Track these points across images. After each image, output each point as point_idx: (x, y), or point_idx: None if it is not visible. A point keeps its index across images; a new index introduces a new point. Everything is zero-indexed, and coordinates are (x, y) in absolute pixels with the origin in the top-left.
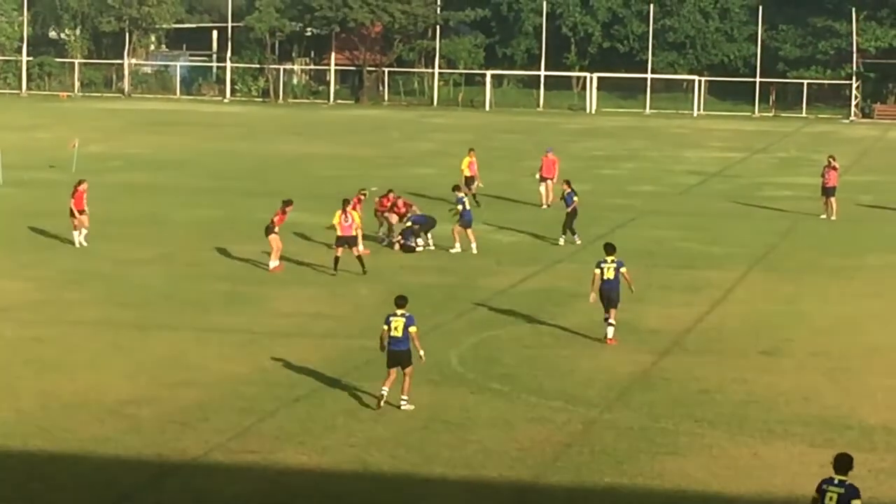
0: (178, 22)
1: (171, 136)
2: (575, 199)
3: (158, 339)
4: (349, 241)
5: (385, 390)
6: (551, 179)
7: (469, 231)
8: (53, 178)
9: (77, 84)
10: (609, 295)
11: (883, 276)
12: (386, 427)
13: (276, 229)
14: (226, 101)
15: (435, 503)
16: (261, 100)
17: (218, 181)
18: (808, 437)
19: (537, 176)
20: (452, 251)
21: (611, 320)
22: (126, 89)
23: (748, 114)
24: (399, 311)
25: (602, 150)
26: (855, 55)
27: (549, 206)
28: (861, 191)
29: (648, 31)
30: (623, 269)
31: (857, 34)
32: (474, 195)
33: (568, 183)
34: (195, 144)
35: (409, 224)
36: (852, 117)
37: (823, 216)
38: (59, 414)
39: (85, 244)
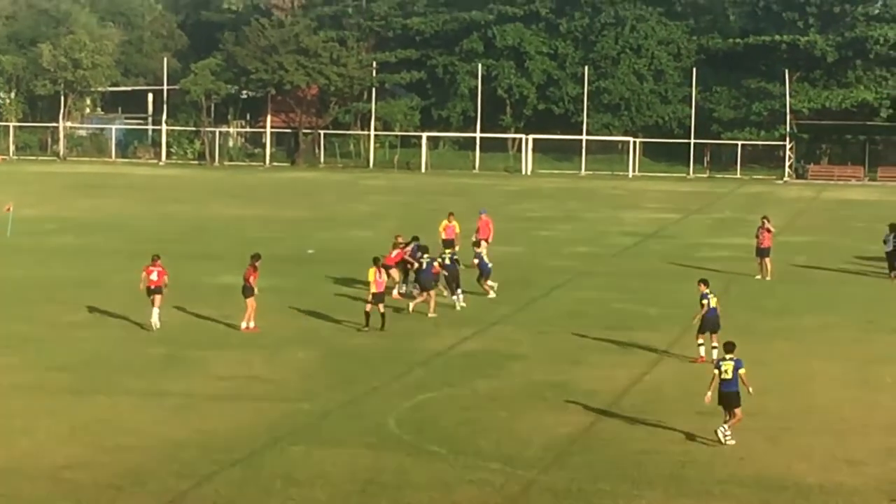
0: (113, 85)
1: (106, 199)
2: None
3: (94, 404)
4: (383, 299)
5: (726, 431)
6: (486, 240)
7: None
8: None
9: (12, 147)
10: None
11: (818, 337)
12: (323, 490)
13: (255, 290)
14: (161, 163)
15: None
16: (196, 162)
17: (153, 244)
18: (744, 498)
19: (474, 238)
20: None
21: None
22: (61, 152)
23: (683, 175)
24: (728, 356)
25: (538, 211)
26: (788, 116)
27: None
28: (795, 251)
29: (583, 93)
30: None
31: (790, 95)
32: (457, 260)
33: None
34: (130, 207)
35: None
36: (786, 178)
37: (758, 277)
38: None
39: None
